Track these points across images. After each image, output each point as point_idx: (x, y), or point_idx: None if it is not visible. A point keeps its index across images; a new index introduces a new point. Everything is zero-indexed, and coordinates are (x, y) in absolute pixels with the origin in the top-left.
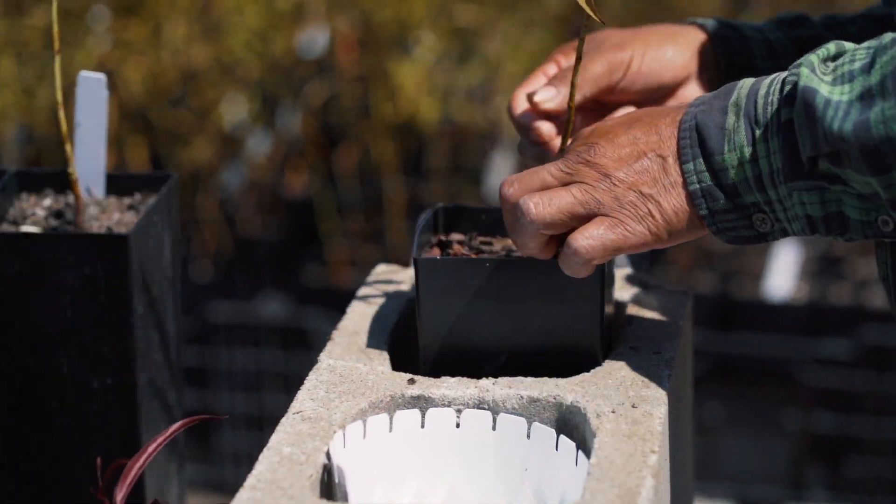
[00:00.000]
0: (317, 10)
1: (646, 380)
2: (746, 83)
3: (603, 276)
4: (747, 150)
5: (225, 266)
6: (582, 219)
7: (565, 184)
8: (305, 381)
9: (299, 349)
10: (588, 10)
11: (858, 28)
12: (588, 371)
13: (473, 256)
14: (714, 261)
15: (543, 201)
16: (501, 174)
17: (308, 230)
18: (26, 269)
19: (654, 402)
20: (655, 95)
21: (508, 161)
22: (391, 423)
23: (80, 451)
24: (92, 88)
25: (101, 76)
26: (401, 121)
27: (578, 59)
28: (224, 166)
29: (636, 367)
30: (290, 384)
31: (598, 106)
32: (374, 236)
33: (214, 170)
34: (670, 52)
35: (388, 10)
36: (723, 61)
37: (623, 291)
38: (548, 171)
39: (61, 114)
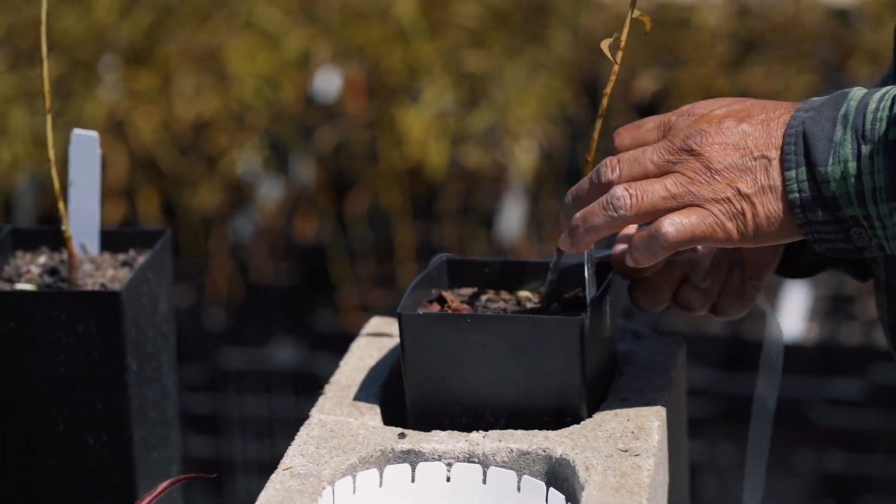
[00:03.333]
0: (325, 57)
1: (635, 431)
2: (857, 94)
3: (583, 332)
4: (852, 165)
5: (237, 313)
6: (671, 209)
7: (665, 172)
8: (296, 437)
9: (311, 395)
10: (607, 52)
11: None
12: (574, 425)
13: (464, 311)
14: None
15: (638, 193)
16: (512, 218)
17: (319, 276)
18: (21, 327)
19: (643, 454)
20: None
21: (518, 204)
22: (381, 477)
23: None
24: (85, 146)
25: (95, 134)
26: (410, 166)
27: (601, 116)
28: (235, 213)
29: (626, 419)
30: None
31: None
32: (385, 281)
33: (226, 217)
34: None
35: (396, 57)
36: None
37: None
38: (650, 159)
39: (53, 172)
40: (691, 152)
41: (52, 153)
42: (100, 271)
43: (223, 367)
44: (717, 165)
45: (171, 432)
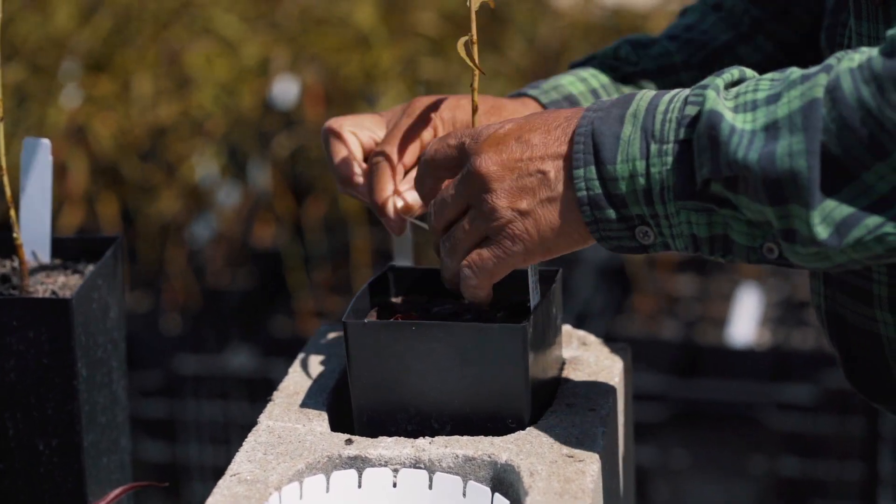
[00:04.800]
0: (283, 63)
1: (580, 437)
2: (646, 96)
3: (525, 339)
4: (640, 164)
5: (193, 318)
6: (471, 241)
7: (461, 209)
8: (244, 443)
9: (267, 401)
10: (469, 61)
11: (680, 53)
12: (519, 431)
13: (413, 318)
14: (677, 308)
15: (452, 237)
16: None
17: (276, 282)
18: None
19: (587, 460)
20: None
21: None
22: (328, 483)
23: None
24: (36, 153)
25: (46, 141)
26: None
27: (475, 110)
28: (193, 219)
29: (571, 425)
30: None
31: None
32: (341, 287)
33: (183, 223)
34: None
35: (354, 64)
36: None
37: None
38: (450, 195)
39: (5, 179)
40: (475, 180)
41: (3, 160)
42: (50, 278)
43: (179, 372)
44: (497, 188)
45: (121, 437)
